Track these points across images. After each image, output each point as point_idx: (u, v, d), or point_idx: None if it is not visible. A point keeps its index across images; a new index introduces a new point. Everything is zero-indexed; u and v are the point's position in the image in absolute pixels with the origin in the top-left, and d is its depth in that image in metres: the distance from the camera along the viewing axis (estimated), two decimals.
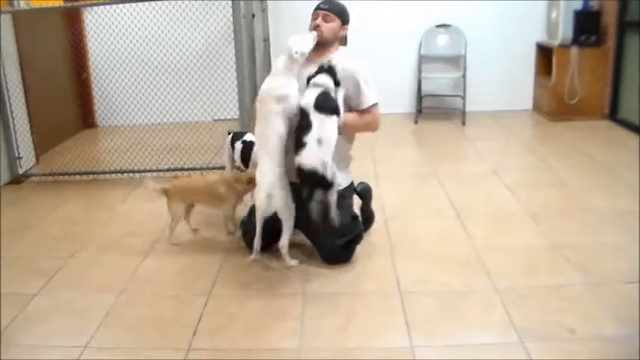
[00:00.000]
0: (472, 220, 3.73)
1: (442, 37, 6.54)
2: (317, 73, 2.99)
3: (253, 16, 5.42)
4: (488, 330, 2.61)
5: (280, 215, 3.07)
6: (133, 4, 5.24)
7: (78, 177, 4.85)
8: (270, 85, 3.08)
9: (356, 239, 3.22)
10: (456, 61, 6.51)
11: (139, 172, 4.83)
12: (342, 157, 3.27)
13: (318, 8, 3.26)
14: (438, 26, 6.51)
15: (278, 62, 3.11)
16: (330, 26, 3.22)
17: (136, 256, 3.42)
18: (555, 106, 6.11)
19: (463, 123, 6.24)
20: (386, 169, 4.73)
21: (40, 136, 5.30)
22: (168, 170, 4.81)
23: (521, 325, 2.59)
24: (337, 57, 3.17)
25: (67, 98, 6.26)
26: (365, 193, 3.60)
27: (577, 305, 2.75)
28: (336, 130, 2.95)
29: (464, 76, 6.33)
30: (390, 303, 2.83)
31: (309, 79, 3.00)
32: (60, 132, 5.94)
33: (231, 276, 3.15)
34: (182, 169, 4.77)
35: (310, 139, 2.87)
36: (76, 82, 6.45)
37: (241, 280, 3.10)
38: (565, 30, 5.97)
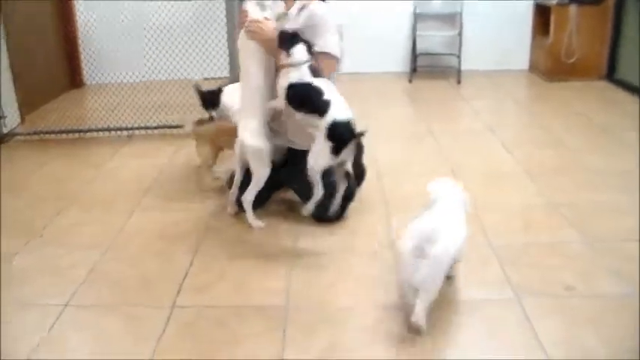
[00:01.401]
0: (467, 177, 3.60)
1: None
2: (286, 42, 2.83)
3: None
4: (483, 286, 2.54)
5: (251, 166, 2.98)
6: None
7: (64, 135, 4.70)
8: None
9: (348, 197, 3.12)
10: (452, 18, 6.34)
11: (127, 129, 4.69)
12: None
13: None
14: None
15: (248, 6, 3.00)
16: None
17: (123, 213, 3.32)
18: (552, 66, 5.98)
19: (458, 82, 6.12)
20: (379, 126, 4.58)
21: (26, 95, 5.13)
22: (157, 128, 4.68)
23: (518, 282, 2.53)
24: (312, 4, 3.04)
25: (53, 56, 6.07)
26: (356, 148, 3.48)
27: (575, 263, 2.69)
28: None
29: (460, 34, 6.18)
30: (383, 261, 2.75)
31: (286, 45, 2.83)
32: (46, 91, 5.77)
33: (219, 233, 3.06)
34: (171, 127, 4.63)
35: (332, 96, 2.79)
36: (63, 40, 6.25)
37: (229, 238, 3.01)
38: None
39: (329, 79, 2.98)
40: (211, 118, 3.70)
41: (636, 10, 5.53)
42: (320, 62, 2.95)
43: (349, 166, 3.31)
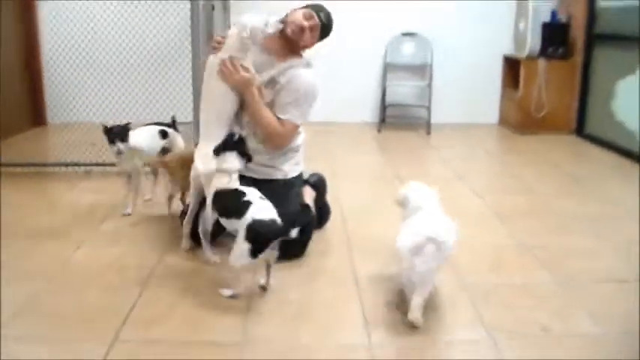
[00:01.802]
0: None
1: (408, 46, 6.37)
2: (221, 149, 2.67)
3: (213, 7, 5.17)
4: (454, 326, 2.37)
5: (206, 189, 2.77)
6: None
7: (20, 169, 4.48)
8: (218, 57, 2.84)
9: (307, 229, 2.93)
10: (422, 70, 6.35)
11: (85, 165, 4.49)
12: (284, 151, 3.06)
13: (317, 13, 2.99)
14: (404, 34, 6.34)
15: (228, 40, 2.85)
16: (314, 38, 2.99)
17: (72, 245, 3.10)
18: (522, 119, 5.98)
19: (428, 133, 6.06)
20: (344, 172, 4.48)
21: None
22: (115, 165, 4.47)
23: (491, 322, 2.37)
24: (294, 67, 2.95)
25: (17, 93, 5.88)
26: (319, 184, 3.34)
27: (549, 303, 2.56)
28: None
29: (429, 85, 6.18)
30: (346, 299, 2.58)
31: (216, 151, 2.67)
32: (7, 127, 5.55)
33: (172, 267, 2.86)
34: None
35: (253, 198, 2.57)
36: (26, 77, 6.08)
37: (182, 271, 2.81)
38: (533, 42, 5.87)
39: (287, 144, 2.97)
40: (164, 151, 3.67)
41: (605, 65, 5.58)
42: (284, 125, 2.91)
43: (309, 202, 3.18)
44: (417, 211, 2.47)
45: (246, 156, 2.68)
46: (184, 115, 5.03)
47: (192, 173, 2.88)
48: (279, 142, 2.98)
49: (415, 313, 2.25)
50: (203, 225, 2.85)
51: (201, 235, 2.87)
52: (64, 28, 5.40)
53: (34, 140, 5.61)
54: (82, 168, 4.48)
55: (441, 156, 5.29)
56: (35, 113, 6.16)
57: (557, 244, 3.21)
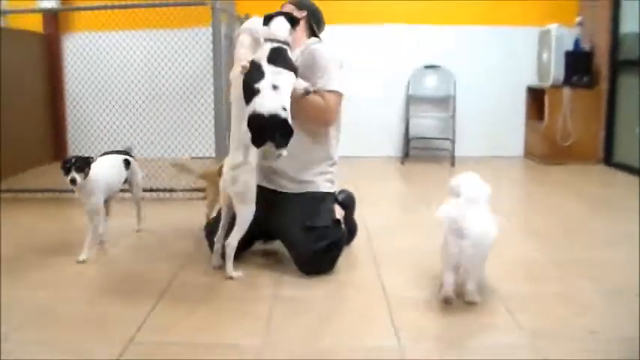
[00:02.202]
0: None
1: (431, 78, 6.33)
2: (269, 19, 2.64)
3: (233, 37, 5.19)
4: (490, 331, 2.21)
5: (234, 202, 2.69)
6: (114, 33, 5.07)
7: (39, 195, 4.45)
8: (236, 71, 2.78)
9: (337, 243, 2.82)
10: (445, 102, 6.29)
11: None
12: (318, 159, 2.98)
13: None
14: (426, 67, 6.31)
15: (240, 48, 2.80)
16: (286, 10, 2.92)
17: (87, 260, 3.00)
18: (548, 150, 5.85)
19: (452, 164, 5.94)
20: (369, 199, 4.31)
21: (6, 161, 4.92)
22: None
23: (531, 328, 2.21)
24: (309, 48, 2.90)
25: (40, 127, 5.92)
26: (347, 202, 3.24)
27: (592, 310, 2.39)
28: (291, 85, 2.56)
29: (453, 116, 6.10)
30: (374, 306, 2.44)
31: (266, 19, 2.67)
32: (27, 160, 5.56)
33: (189, 279, 2.74)
34: (151, 190, 4.39)
35: (264, 85, 2.45)
36: (49, 111, 6.12)
37: (201, 284, 2.68)
38: (557, 71, 5.79)
39: (335, 115, 2.88)
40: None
41: (631, 91, 5.47)
42: (324, 99, 2.80)
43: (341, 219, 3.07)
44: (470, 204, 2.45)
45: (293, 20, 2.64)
46: (206, 149, 5.01)
47: (221, 185, 2.79)
48: (328, 116, 2.88)
49: (472, 296, 2.38)
50: (232, 238, 2.72)
51: (226, 249, 2.74)
52: (87, 62, 5.46)
53: (54, 172, 5.57)
54: None
55: None
56: (57, 147, 6.18)
57: (593, 258, 3.05)
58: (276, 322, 2.26)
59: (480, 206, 2.46)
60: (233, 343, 2.10)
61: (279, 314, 2.33)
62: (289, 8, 2.96)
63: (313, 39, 2.99)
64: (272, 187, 2.92)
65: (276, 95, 2.44)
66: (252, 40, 2.80)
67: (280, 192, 2.94)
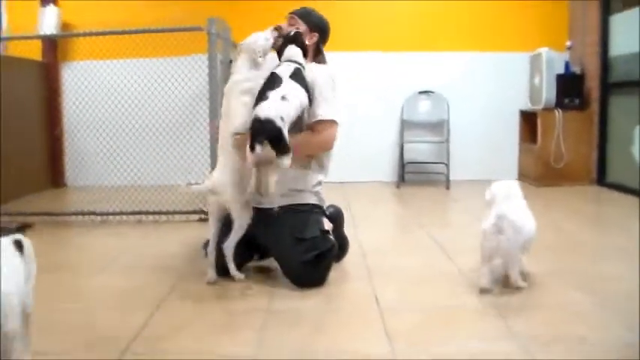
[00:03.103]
0: (458, 253, 3.41)
1: (424, 104, 6.40)
2: (285, 44, 2.81)
3: (231, 61, 5.26)
4: (484, 338, 2.23)
5: (230, 211, 2.75)
6: (112, 62, 5.14)
7: (36, 218, 4.46)
8: (234, 80, 2.88)
9: (326, 254, 2.83)
10: (439, 126, 6.35)
11: (102, 214, 4.47)
12: (303, 179, 2.99)
13: (290, 12, 3.14)
14: (420, 92, 6.39)
15: (238, 62, 2.91)
16: (295, 26, 3.04)
17: (86, 275, 3.08)
18: (542, 172, 5.90)
19: (447, 188, 5.98)
20: (364, 222, 4.35)
21: (4, 188, 4.96)
22: (132, 214, 4.46)
23: (524, 334, 2.22)
24: (307, 65, 2.96)
25: (38, 154, 5.98)
26: (336, 216, 3.24)
27: (584, 318, 2.40)
28: (304, 100, 2.71)
29: (447, 141, 6.15)
30: (367, 316, 2.45)
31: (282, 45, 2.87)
32: (25, 186, 5.59)
33: (186, 292, 2.77)
34: (147, 213, 4.43)
35: (275, 94, 2.57)
36: (48, 139, 6.18)
37: (195, 297, 2.71)
38: (548, 94, 5.86)
39: (334, 142, 2.94)
40: None
41: (621, 112, 5.55)
42: (321, 130, 2.88)
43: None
44: (505, 201, 2.76)
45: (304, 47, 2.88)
46: (203, 176, 5.03)
47: (209, 199, 2.83)
48: (324, 147, 2.97)
49: (517, 282, 2.66)
50: (230, 241, 2.78)
51: (224, 252, 2.79)
52: (85, 90, 5.51)
53: (54, 197, 5.64)
54: (99, 218, 4.45)
55: (460, 206, 5.21)
56: (55, 175, 6.22)
57: (587, 270, 3.08)
58: (269, 333, 2.28)
59: (514, 202, 2.76)
60: (227, 353, 2.11)
61: (273, 326, 2.34)
62: (302, 28, 3.03)
63: (312, 65, 3.03)
64: (260, 206, 2.92)
65: (279, 104, 2.54)
66: (250, 57, 2.87)
67: (269, 208, 2.93)
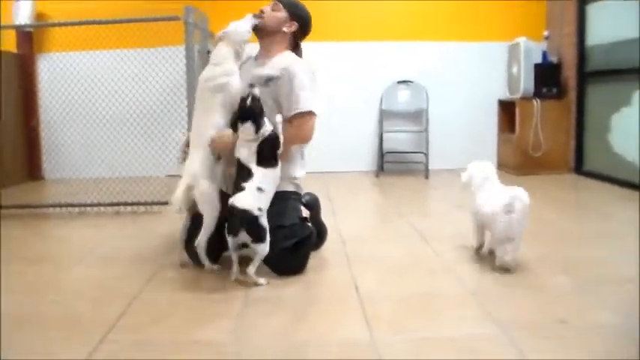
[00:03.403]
0: (438, 240, 3.42)
1: (403, 93, 6.41)
2: (240, 114, 2.69)
3: (208, 52, 5.21)
4: (463, 323, 2.23)
5: (200, 208, 2.75)
6: (90, 52, 5.09)
7: (18, 211, 4.41)
8: (207, 75, 2.87)
9: (305, 241, 2.83)
10: (418, 116, 6.36)
11: (80, 205, 4.43)
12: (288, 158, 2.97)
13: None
14: (399, 82, 6.40)
15: (216, 51, 2.90)
16: (275, 14, 3.00)
17: (65, 266, 3.04)
18: (520, 161, 5.94)
19: (426, 177, 6.00)
20: (344, 211, 4.35)
21: None
22: (110, 205, 4.42)
23: (503, 319, 2.23)
24: (284, 57, 2.96)
25: (14, 147, 5.89)
26: (312, 204, 3.23)
27: (564, 300, 2.42)
28: (277, 178, 2.75)
29: (426, 130, 6.16)
30: (346, 302, 2.44)
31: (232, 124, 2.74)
32: (2, 179, 5.50)
33: (163, 283, 2.74)
34: (126, 204, 4.39)
35: (250, 186, 2.62)
36: (24, 131, 6.09)
37: (174, 286, 2.69)
38: (526, 83, 5.90)
39: (312, 134, 2.92)
40: None
41: (598, 102, 5.60)
42: (300, 124, 2.86)
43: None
44: (485, 182, 2.95)
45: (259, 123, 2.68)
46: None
47: (180, 189, 2.81)
48: (300, 140, 2.96)
49: (511, 262, 2.72)
50: (200, 238, 2.76)
51: (197, 250, 2.78)
52: (61, 82, 5.43)
53: (31, 190, 5.57)
54: (77, 209, 4.41)
55: (439, 194, 5.24)
56: (32, 168, 6.14)
57: (569, 254, 3.11)
58: (249, 320, 2.27)
59: (495, 183, 2.96)
60: (207, 340, 2.10)
61: (252, 314, 2.33)
62: (282, 14, 2.99)
63: (290, 54, 3.01)
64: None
65: (257, 197, 2.61)
66: (233, 48, 2.87)
67: None
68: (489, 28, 6.37)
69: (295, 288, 2.63)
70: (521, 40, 5.94)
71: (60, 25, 5.06)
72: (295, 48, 3.11)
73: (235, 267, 2.67)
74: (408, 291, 2.58)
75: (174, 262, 2.99)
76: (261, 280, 2.63)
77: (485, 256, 3.03)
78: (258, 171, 2.64)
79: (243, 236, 2.56)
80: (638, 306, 2.28)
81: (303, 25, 3.10)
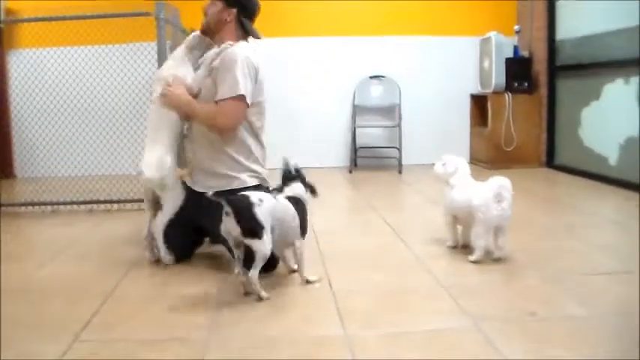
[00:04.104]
0: (410, 235, 3.45)
1: (376, 88, 6.44)
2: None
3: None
4: (435, 317, 2.26)
5: (160, 197, 2.83)
6: (62, 49, 5.05)
7: None
8: (162, 69, 3.00)
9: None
10: (391, 111, 6.39)
11: (52, 204, 4.39)
12: (236, 158, 2.92)
13: None
14: (371, 77, 6.42)
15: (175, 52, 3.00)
16: (211, 11, 2.95)
17: (35, 265, 3.00)
18: (493, 155, 6.00)
19: (400, 172, 6.03)
20: (318, 204, 4.31)
21: None
22: (82, 203, 4.38)
23: (475, 312, 2.26)
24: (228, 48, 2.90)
25: None
26: None
27: (534, 293, 2.47)
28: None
29: (399, 125, 6.19)
30: (319, 298, 2.46)
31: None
32: None
33: (137, 280, 2.74)
34: (98, 202, 4.36)
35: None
36: None
37: (147, 284, 2.70)
38: (498, 78, 5.97)
39: (231, 121, 2.82)
40: None
41: (568, 95, 5.68)
42: (220, 106, 2.79)
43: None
44: (454, 174, 3.02)
45: (309, 187, 2.76)
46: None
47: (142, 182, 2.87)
48: (221, 121, 2.82)
49: (503, 251, 2.84)
50: (158, 221, 2.84)
51: (154, 235, 2.87)
52: (32, 79, 5.36)
53: (2, 188, 5.47)
54: (50, 208, 4.37)
55: (412, 189, 5.28)
56: (4, 165, 6.06)
57: (538, 248, 3.16)
58: (222, 317, 2.27)
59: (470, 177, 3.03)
60: (180, 337, 2.10)
61: (225, 310, 2.33)
62: (216, 7, 2.92)
63: (241, 42, 2.95)
64: (200, 189, 2.86)
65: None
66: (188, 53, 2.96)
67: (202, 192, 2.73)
68: (461, 23, 6.42)
69: (268, 284, 2.62)
70: (493, 34, 6.00)
71: (30, 20, 4.99)
72: (244, 34, 2.98)
73: (237, 268, 2.45)
74: (381, 286, 2.60)
75: (146, 260, 2.97)
76: (264, 294, 2.40)
77: (457, 250, 3.06)
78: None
79: (232, 226, 2.32)
80: (638, 305, 2.31)
81: (242, 8, 2.95)
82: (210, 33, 2.98)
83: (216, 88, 2.81)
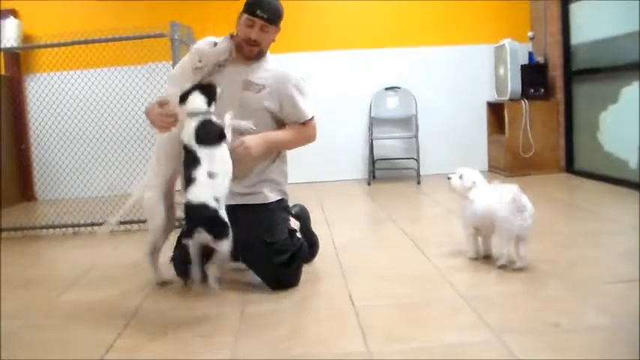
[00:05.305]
0: (431, 247, 3.44)
1: (392, 100, 6.44)
2: (188, 93, 2.56)
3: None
4: (458, 331, 2.24)
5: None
6: (78, 72, 5.12)
7: (10, 233, 4.41)
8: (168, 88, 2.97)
9: (297, 254, 2.83)
10: (408, 122, 6.39)
11: (74, 226, 4.44)
12: (262, 172, 2.93)
13: (254, 14, 2.77)
14: (387, 89, 6.42)
15: (180, 62, 2.92)
16: (268, 37, 2.88)
17: (58, 289, 3.02)
18: (511, 162, 5.96)
19: (418, 182, 6.01)
20: (336, 219, 4.35)
21: None
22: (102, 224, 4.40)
23: (497, 325, 2.24)
24: (270, 65, 2.94)
25: (5, 168, 5.88)
26: (301, 214, 3.25)
27: (556, 304, 2.44)
28: (228, 158, 2.53)
29: (416, 136, 6.18)
30: (341, 315, 2.45)
31: (182, 97, 2.56)
32: None
33: (159, 302, 2.75)
34: (122, 222, 4.39)
35: (200, 173, 2.40)
36: (15, 153, 6.10)
37: (170, 305, 2.70)
38: (514, 84, 5.93)
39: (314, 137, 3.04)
40: None
41: (585, 100, 5.63)
42: (302, 130, 2.98)
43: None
44: (472, 188, 3.01)
45: (212, 99, 2.54)
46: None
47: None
48: (312, 137, 3.07)
49: (525, 261, 2.83)
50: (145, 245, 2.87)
51: (147, 256, 2.89)
52: (50, 102, 5.42)
53: (24, 210, 5.57)
54: (71, 229, 4.41)
55: (431, 199, 5.25)
56: (24, 188, 6.14)
57: (560, 256, 3.12)
58: (245, 336, 2.27)
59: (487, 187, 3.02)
60: (205, 358, 2.10)
61: (248, 329, 2.34)
62: (273, 33, 2.89)
63: (273, 59, 2.99)
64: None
65: (210, 184, 2.40)
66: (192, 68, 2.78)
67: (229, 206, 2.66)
68: (474, 31, 6.40)
69: (290, 302, 2.63)
70: (507, 41, 5.98)
71: (47, 46, 5.05)
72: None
73: (196, 273, 2.43)
74: (402, 299, 2.59)
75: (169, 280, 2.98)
76: (215, 285, 2.42)
77: (478, 261, 3.04)
78: (201, 152, 2.43)
79: (203, 236, 2.31)
80: (638, 306, 2.28)
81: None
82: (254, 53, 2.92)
83: (288, 113, 2.93)
